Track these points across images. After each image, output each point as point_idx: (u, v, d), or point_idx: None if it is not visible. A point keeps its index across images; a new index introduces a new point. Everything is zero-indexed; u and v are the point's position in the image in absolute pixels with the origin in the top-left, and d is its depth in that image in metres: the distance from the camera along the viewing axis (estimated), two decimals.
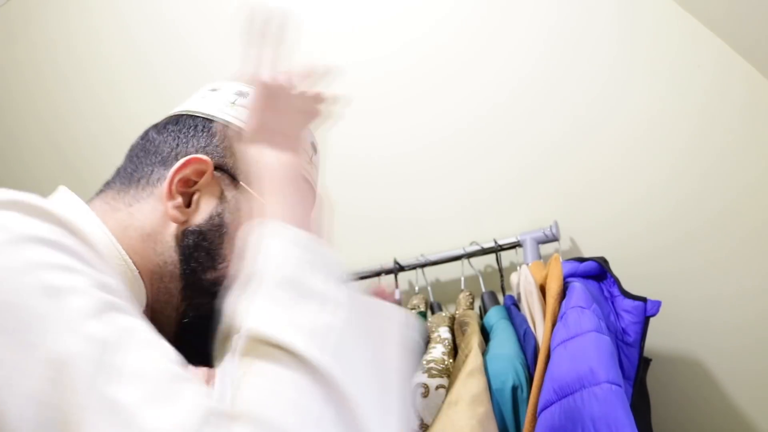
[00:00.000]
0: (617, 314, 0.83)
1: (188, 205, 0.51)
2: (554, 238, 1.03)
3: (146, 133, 0.56)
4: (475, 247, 1.09)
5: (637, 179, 1.07)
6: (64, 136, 1.68)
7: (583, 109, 1.11)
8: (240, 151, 0.52)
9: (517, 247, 1.06)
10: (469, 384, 0.76)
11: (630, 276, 0.95)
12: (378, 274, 1.18)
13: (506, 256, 1.10)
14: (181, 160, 0.51)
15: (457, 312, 1.02)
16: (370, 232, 1.33)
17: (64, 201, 0.50)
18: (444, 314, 1.00)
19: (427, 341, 0.94)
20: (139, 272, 0.48)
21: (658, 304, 0.80)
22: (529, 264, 0.98)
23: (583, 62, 1.11)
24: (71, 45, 1.61)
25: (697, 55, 1.02)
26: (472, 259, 1.10)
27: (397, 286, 1.14)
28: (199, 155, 0.52)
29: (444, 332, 0.93)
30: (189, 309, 0.51)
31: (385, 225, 1.32)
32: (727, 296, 1.00)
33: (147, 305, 0.49)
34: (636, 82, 1.07)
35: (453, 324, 0.97)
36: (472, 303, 1.04)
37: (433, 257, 1.13)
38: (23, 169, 1.79)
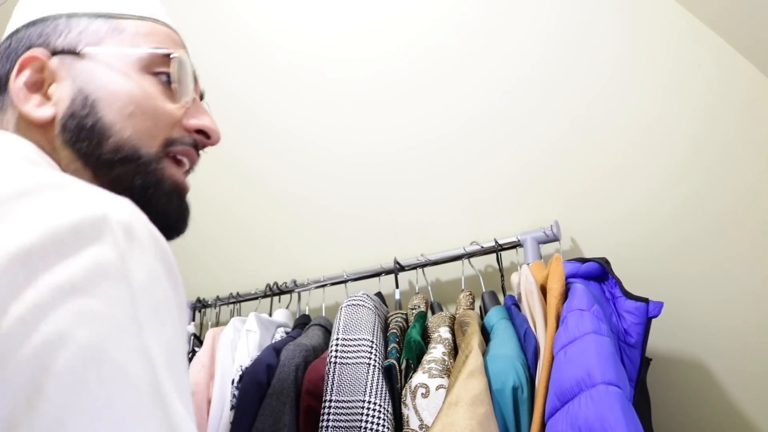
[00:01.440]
0: (619, 315, 0.82)
1: (48, 99, 0.51)
2: (555, 238, 1.03)
3: None
4: (476, 247, 1.09)
5: (639, 179, 1.07)
6: None
7: (584, 108, 1.11)
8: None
9: (517, 247, 1.06)
10: (470, 384, 0.76)
11: (631, 277, 0.94)
12: (378, 274, 1.18)
13: (507, 256, 1.10)
14: (15, 67, 0.51)
15: (457, 312, 1.01)
16: (370, 232, 1.33)
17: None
18: (444, 314, 0.99)
19: (427, 341, 0.94)
20: None
21: (660, 305, 0.80)
22: (530, 264, 0.97)
23: (584, 61, 1.11)
24: None
25: (698, 54, 1.02)
26: (473, 259, 1.10)
27: (397, 286, 1.14)
28: (28, 54, 0.51)
29: (444, 332, 0.93)
30: (112, 188, 0.51)
31: (385, 225, 1.31)
32: (730, 298, 1.00)
33: None
34: (637, 81, 1.07)
35: (453, 324, 0.96)
36: (472, 303, 1.04)
37: (433, 257, 1.12)
38: None
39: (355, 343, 0.89)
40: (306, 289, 1.26)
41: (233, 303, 1.37)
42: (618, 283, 0.86)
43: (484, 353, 0.83)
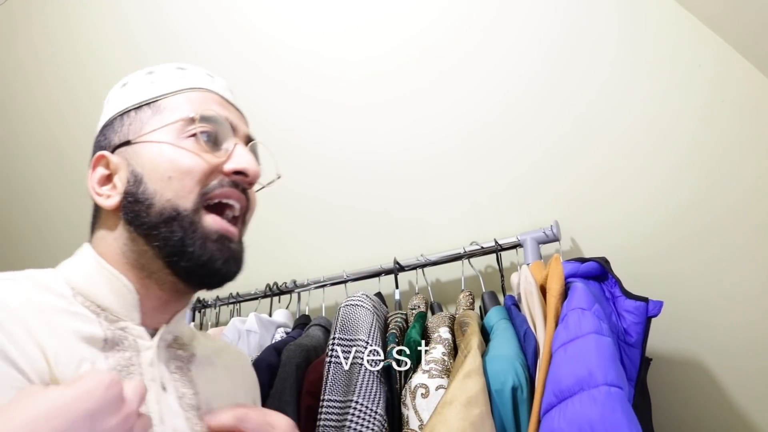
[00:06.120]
0: (619, 315, 0.82)
1: (115, 188, 0.61)
2: (555, 239, 1.03)
3: None
4: (476, 247, 1.09)
5: (639, 179, 1.07)
6: (63, 133, 1.68)
7: (584, 108, 1.11)
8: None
9: (517, 248, 1.06)
10: (466, 385, 0.76)
11: (631, 276, 0.94)
12: (378, 274, 1.18)
13: (506, 257, 1.10)
14: (89, 171, 0.62)
15: (457, 312, 1.01)
16: (370, 233, 1.33)
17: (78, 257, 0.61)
18: (444, 314, 0.99)
19: (427, 342, 0.94)
20: (124, 264, 0.59)
21: (659, 305, 0.80)
22: (530, 264, 0.97)
23: (583, 61, 1.11)
24: (71, 42, 1.61)
25: (698, 54, 1.02)
26: (473, 259, 1.10)
27: (397, 286, 1.14)
28: (96, 155, 0.62)
29: (444, 332, 0.93)
30: (162, 247, 0.58)
31: (385, 225, 1.31)
32: (729, 297, 1.00)
33: (140, 282, 0.59)
34: (636, 82, 1.06)
35: (453, 324, 0.96)
36: (472, 303, 1.04)
37: (433, 257, 1.12)
38: (24, 164, 1.79)
39: (351, 343, 0.89)
40: (306, 289, 1.26)
41: (233, 303, 1.37)
42: (618, 282, 0.86)
43: (484, 353, 0.83)
